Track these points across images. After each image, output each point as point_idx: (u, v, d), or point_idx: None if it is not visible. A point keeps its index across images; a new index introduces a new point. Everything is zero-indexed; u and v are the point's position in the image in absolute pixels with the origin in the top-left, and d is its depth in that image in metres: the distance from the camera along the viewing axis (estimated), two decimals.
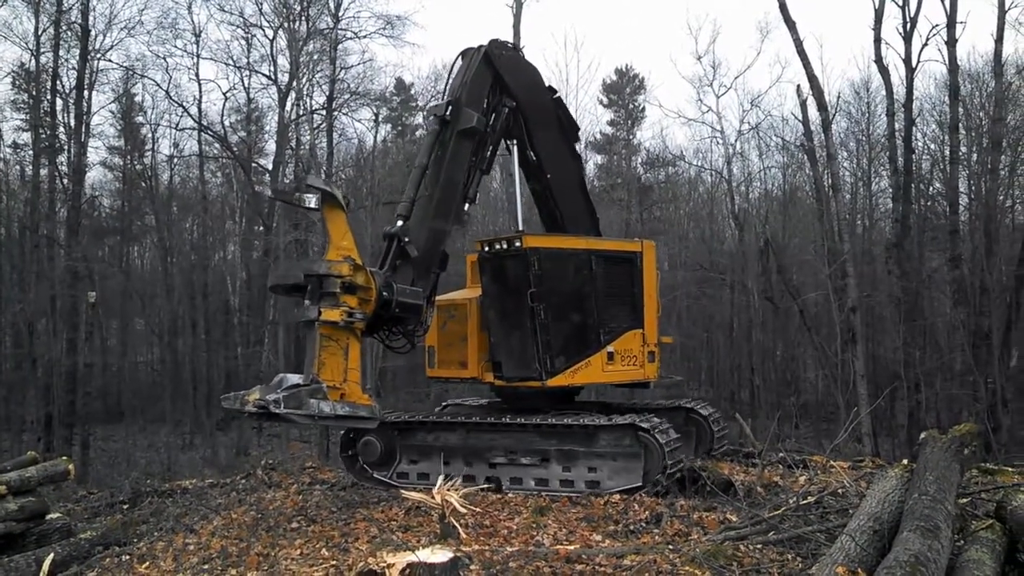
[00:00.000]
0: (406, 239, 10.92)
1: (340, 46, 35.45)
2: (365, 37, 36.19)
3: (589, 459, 11.28)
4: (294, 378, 9.90)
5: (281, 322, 34.01)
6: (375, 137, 40.99)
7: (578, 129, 13.65)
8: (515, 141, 12.53)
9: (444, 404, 14.39)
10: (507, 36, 31.01)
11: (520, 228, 12.70)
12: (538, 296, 11.56)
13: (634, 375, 12.52)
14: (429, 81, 42.00)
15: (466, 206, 11.89)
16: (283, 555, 9.13)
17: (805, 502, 9.51)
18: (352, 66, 36.52)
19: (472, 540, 9.02)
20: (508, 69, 12.19)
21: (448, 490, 9.32)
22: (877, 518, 7.07)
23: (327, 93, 35.35)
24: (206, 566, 9.07)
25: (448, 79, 12.14)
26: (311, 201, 10.18)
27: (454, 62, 12.11)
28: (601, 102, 49.89)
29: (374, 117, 40.31)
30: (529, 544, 9.02)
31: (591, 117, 64.92)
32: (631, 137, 48.83)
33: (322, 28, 35.16)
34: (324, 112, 35.66)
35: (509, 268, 11.85)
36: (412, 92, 43.53)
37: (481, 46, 12.02)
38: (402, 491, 10.62)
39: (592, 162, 46.73)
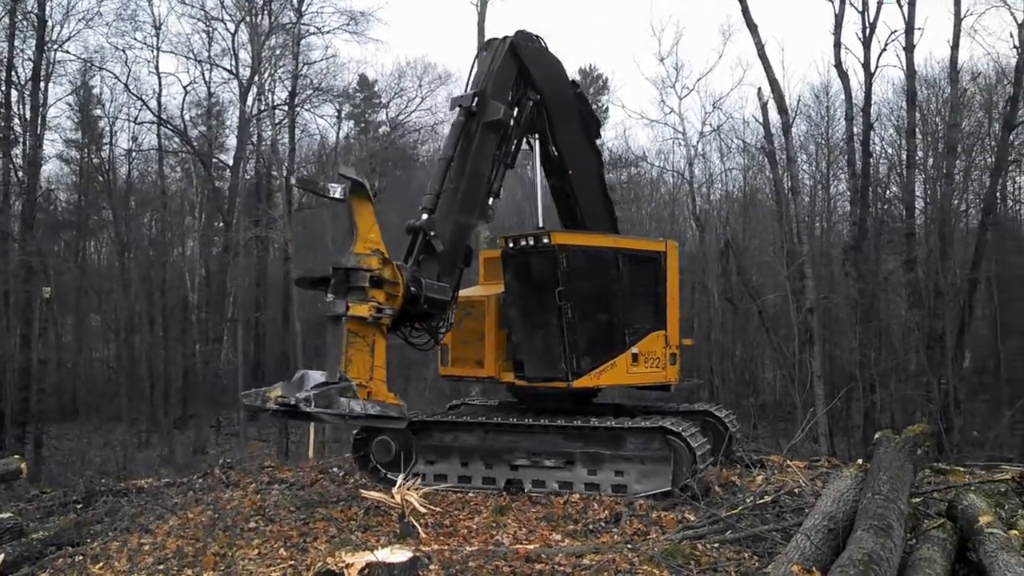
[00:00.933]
0: (432, 233, 10.56)
1: (303, 41, 35.29)
2: (328, 33, 36.15)
3: (616, 462, 10.99)
4: (316, 375, 9.64)
5: (240, 319, 33.69)
6: (337, 133, 40.91)
7: (599, 125, 13.32)
8: (537, 136, 12.20)
9: (453, 404, 13.98)
10: (471, 35, 31.01)
11: (540, 225, 12.45)
12: (566, 294, 11.28)
13: (657, 377, 12.29)
14: (393, 78, 41.97)
15: (490, 200, 11.50)
16: (240, 555, 9.04)
17: (762, 501, 9.65)
18: (315, 61, 36.41)
19: (431, 540, 9.01)
20: (533, 61, 11.86)
21: (408, 490, 9.31)
22: (832, 517, 7.20)
23: (289, 88, 35.20)
24: (161, 566, 8.95)
25: (471, 70, 11.76)
26: (336, 191, 9.85)
27: (477, 53, 11.78)
28: None
29: (337, 113, 40.16)
30: (489, 543, 9.02)
31: None
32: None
33: (284, 23, 34.94)
34: (286, 107, 35.46)
35: (535, 265, 11.56)
36: (375, 89, 43.34)
37: (506, 37, 11.66)
38: (361, 491, 10.55)
39: None
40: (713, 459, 11.49)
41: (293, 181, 12.17)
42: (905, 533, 6.97)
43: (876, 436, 9.25)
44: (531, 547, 8.66)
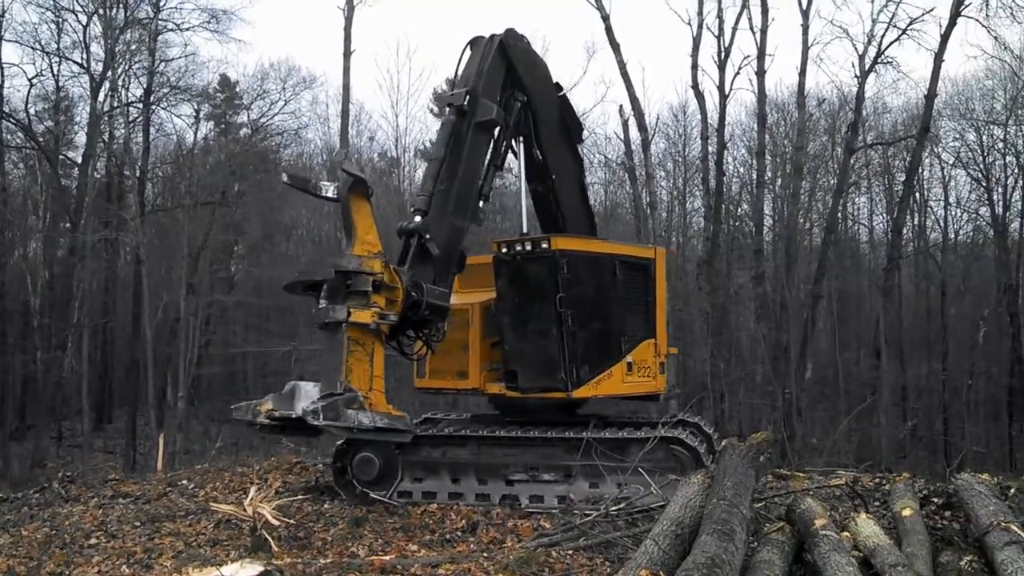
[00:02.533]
0: (427, 236, 10.12)
1: (160, 37, 33.97)
2: (188, 30, 34.75)
3: (618, 474, 10.61)
4: (308, 386, 9.17)
5: (86, 325, 32.10)
6: (195, 134, 39.40)
7: (582, 129, 13.03)
8: (522, 138, 11.84)
9: (423, 417, 13.09)
10: (338, 39, 30.73)
11: (525, 231, 12.16)
12: (567, 301, 10.94)
13: (648, 387, 12.00)
14: (255, 80, 40.82)
15: (481, 203, 11.15)
16: (78, 573, 8.67)
17: (615, 508, 9.88)
18: (173, 59, 35.06)
19: (284, 553, 8.82)
20: (521, 61, 11.54)
21: (260, 501, 9.07)
22: (679, 522, 7.44)
23: (145, 85, 33.78)
24: None
25: (457, 69, 11.34)
26: (328, 190, 9.43)
27: (463, 51, 11.35)
28: (432, 111, 49.90)
29: (195, 113, 38.75)
30: (344, 556, 8.91)
31: (421, 126, 65.15)
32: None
33: (141, 17, 33.56)
34: (141, 105, 34.05)
35: (532, 271, 11.18)
36: (237, 90, 42.10)
37: (494, 35, 11.28)
38: (212, 504, 10.22)
39: (420, 171, 46.77)
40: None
41: (284, 178, 11.25)
42: (747, 536, 7.27)
43: (722, 444, 9.63)
44: (387, 558, 8.58)
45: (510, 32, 11.52)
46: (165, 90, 34.49)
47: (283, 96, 38.67)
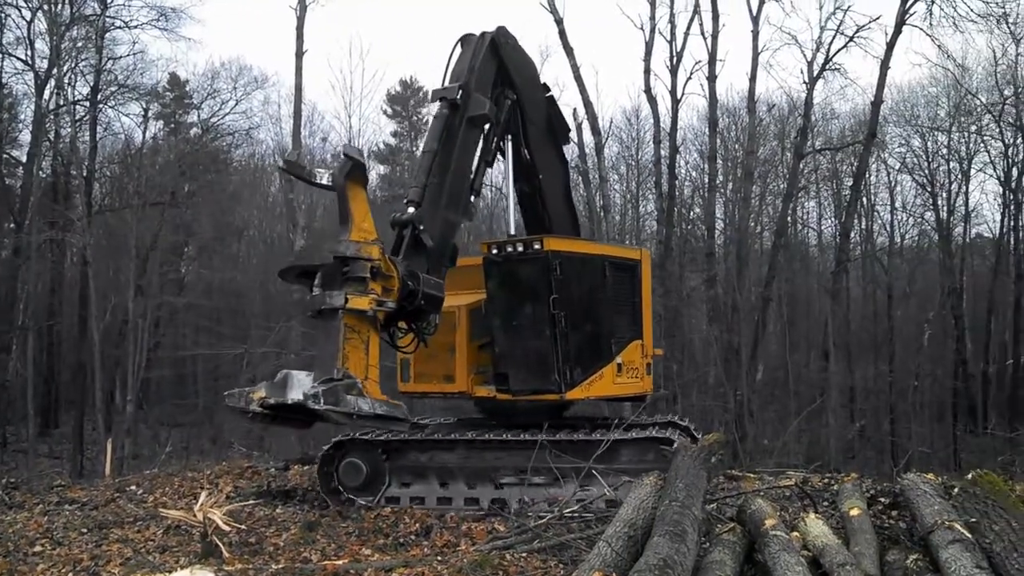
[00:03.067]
0: (421, 227, 9.98)
1: (108, 35, 33.31)
2: (136, 27, 34.13)
3: (608, 476, 10.47)
4: (300, 375, 8.87)
5: (32, 328, 31.42)
6: (144, 134, 38.74)
7: (569, 131, 13.07)
8: (510, 137, 11.81)
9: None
10: (290, 39, 30.43)
11: (511, 232, 12.10)
12: (559, 303, 10.89)
13: (636, 388, 12.05)
14: (206, 79, 40.24)
15: (472, 198, 11.08)
16: None
17: (569, 511, 9.91)
18: (121, 56, 34.39)
19: (235, 559, 8.72)
20: (512, 60, 11.55)
21: (211, 506, 8.97)
22: (632, 524, 7.49)
23: (92, 84, 33.09)
24: None
25: (448, 66, 11.19)
26: (323, 177, 9.26)
27: (453, 49, 11.27)
28: (385, 112, 49.89)
29: (144, 112, 38.10)
30: (296, 561, 8.85)
31: (375, 127, 64.81)
32: (414, 149, 48.97)
33: (88, 14, 32.87)
34: (88, 104, 33.38)
35: (524, 272, 11.11)
36: (187, 89, 41.50)
37: (485, 33, 11.27)
38: (161, 509, 10.07)
39: (375, 172, 46.55)
40: None
41: (280, 164, 10.86)
42: (699, 537, 7.34)
43: (674, 446, 9.73)
44: (340, 563, 8.53)
45: (501, 30, 11.54)
46: (113, 88, 33.81)
47: (234, 96, 38.14)
